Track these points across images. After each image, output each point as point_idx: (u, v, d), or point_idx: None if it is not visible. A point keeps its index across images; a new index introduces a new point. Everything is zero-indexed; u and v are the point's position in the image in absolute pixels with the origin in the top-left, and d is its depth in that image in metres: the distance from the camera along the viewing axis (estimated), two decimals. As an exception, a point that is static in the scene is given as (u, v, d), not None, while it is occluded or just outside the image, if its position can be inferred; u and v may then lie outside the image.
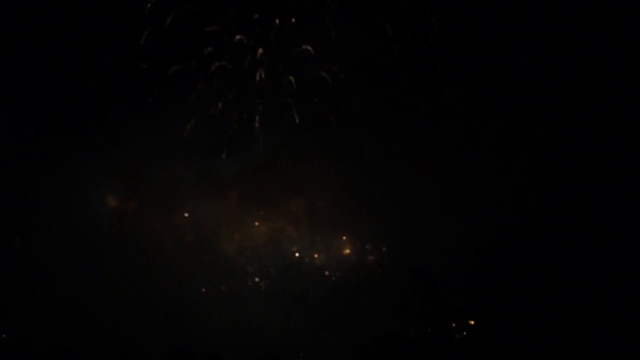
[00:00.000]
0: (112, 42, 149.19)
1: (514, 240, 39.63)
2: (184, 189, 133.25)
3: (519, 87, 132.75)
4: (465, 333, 39.80)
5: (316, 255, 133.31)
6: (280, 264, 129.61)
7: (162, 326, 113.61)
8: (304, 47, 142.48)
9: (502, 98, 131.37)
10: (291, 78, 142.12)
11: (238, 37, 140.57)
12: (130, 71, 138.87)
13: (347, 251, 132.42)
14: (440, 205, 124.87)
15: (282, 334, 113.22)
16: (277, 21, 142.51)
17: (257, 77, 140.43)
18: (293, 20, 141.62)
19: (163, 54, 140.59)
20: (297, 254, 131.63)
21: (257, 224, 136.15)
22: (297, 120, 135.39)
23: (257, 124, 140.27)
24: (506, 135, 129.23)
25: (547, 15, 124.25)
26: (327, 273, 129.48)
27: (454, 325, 39.72)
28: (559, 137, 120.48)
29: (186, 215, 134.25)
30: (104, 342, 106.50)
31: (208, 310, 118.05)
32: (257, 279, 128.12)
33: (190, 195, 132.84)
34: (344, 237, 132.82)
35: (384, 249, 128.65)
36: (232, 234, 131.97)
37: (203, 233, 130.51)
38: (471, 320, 39.31)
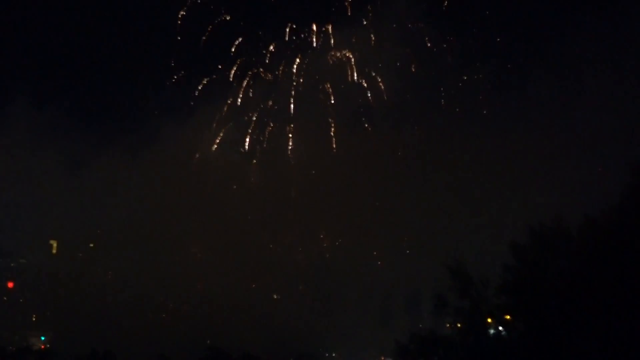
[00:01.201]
0: (149, 53, 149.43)
1: (552, 236, 39.22)
2: (216, 194, 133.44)
3: (551, 94, 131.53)
4: (500, 328, 39.47)
5: (347, 256, 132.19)
6: (314, 266, 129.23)
7: (198, 324, 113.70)
8: (342, 53, 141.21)
9: (537, 102, 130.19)
10: (327, 85, 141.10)
11: (273, 45, 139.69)
12: (167, 80, 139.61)
13: (381, 258, 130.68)
14: (473, 203, 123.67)
15: (316, 333, 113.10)
16: (314, 27, 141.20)
17: (293, 85, 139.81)
18: (330, 27, 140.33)
19: (199, 64, 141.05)
20: (328, 256, 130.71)
21: (287, 229, 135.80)
22: (332, 126, 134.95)
23: (290, 131, 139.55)
24: (541, 134, 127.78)
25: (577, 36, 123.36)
26: (359, 272, 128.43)
27: (489, 321, 39.38)
28: (597, 137, 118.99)
29: (215, 216, 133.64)
30: (141, 343, 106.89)
31: (245, 310, 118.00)
32: (291, 283, 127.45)
33: (221, 201, 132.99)
34: (377, 239, 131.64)
35: (417, 248, 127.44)
36: (266, 238, 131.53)
37: (235, 235, 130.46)
38: (507, 315, 38.94)
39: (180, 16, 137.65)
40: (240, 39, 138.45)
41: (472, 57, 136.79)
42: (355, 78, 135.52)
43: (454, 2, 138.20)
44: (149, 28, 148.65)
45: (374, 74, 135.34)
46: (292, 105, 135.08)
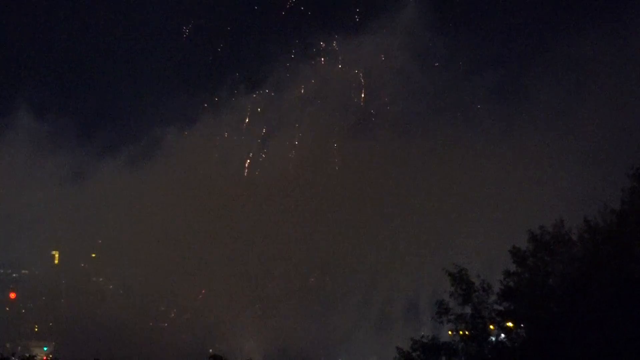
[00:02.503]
0: (153, 64, 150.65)
1: (552, 241, 39.21)
2: (218, 206, 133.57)
3: (552, 99, 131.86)
4: (503, 335, 39.38)
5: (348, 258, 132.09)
6: (313, 268, 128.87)
7: (200, 333, 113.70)
8: (353, 72, 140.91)
9: (538, 108, 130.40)
10: (333, 99, 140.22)
11: (280, 60, 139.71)
12: (170, 91, 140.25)
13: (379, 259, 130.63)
14: (473, 208, 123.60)
15: (317, 340, 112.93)
16: (321, 42, 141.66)
17: (298, 99, 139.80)
18: (334, 42, 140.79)
19: (204, 76, 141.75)
20: (325, 266, 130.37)
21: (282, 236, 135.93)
22: (335, 145, 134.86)
23: (294, 146, 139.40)
24: (541, 139, 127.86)
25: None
26: (358, 279, 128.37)
27: (491, 327, 39.30)
28: (597, 141, 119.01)
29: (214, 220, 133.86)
30: (143, 352, 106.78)
31: (245, 319, 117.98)
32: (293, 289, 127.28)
33: (223, 212, 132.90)
34: (377, 246, 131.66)
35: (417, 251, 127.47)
36: (267, 249, 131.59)
37: (236, 247, 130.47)
38: (509, 321, 38.86)
39: (185, 30, 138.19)
40: (246, 54, 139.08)
41: (477, 66, 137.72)
42: (362, 92, 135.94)
43: (461, 12, 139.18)
44: (154, 39, 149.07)
45: (379, 86, 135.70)
46: (296, 121, 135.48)
